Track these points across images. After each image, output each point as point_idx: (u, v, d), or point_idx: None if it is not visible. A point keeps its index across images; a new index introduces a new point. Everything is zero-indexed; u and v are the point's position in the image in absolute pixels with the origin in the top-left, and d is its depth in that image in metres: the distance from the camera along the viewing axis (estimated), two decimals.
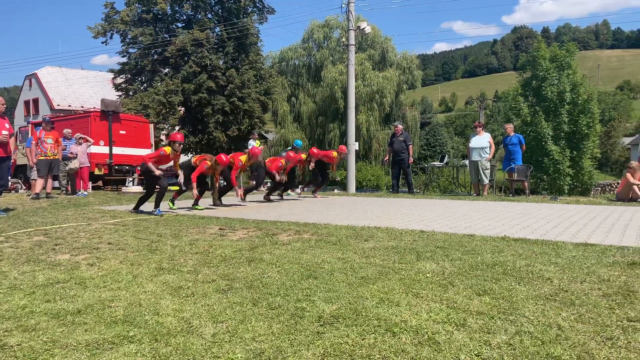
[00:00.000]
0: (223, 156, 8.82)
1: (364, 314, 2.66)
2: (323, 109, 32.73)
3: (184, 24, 21.99)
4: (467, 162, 12.41)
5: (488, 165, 11.41)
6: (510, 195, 11.97)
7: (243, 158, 9.22)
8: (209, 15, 21.87)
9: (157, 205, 7.77)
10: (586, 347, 2.20)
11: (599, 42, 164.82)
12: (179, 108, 20.93)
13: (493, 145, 11.69)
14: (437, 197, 11.82)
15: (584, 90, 25.02)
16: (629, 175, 9.93)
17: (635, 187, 9.70)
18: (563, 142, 24.70)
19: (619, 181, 12.62)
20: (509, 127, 12.45)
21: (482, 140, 11.42)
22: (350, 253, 4.24)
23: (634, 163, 10.41)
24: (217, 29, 21.53)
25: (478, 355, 2.14)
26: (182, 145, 8.13)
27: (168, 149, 7.94)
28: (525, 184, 12.07)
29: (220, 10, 22.00)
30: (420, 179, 27.19)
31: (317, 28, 33.75)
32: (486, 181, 11.46)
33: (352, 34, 17.63)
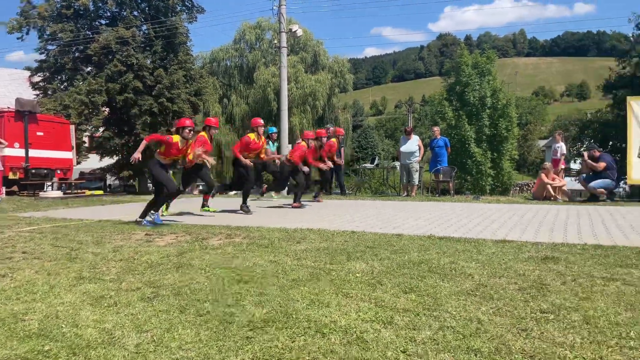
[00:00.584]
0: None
1: (294, 316, 2.66)
2: (256, 111, 32.44)
3: (108, 21, 21.01)
4: (397, 164, 12.79)
5: (417, 167, 11.82)
6: (437, 195, 12.46)
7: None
8: (135, 13, 21.05)
9: (146, 212, 6.69)
10: (503, 338, 2.32)
11: (517, 50, 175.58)
12: (103, 108, 19.98)
13: (422, 148, 12.12)
14: (368, 198, 12.07)
15: (503, 96, 26.57)
16: (543, 175, 10.64)
17: (549, 187, 10.41)
18: (485, 144, 26.07)
19: (535, 181, 13.47)
20: (437, 130, 12.98)
21: (411, 145, 11.81)
22: (282, 255, 4.23)
23: (547, 164, 11.18)
24: (144, 27, 20.77)
25: (404, 352, 2.20)
26: (192, 132, 6.88)
27: (176, 137, 6.68)
28: (451, 184, 12.61)
29: (147, 8, 21.24)
30: (352, 180, 27.65)
31: (248, 29, 33.47)
32: (415, 182, 11.86)
33: (283, 36, 17.65)
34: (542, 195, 10.54)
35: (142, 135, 18.87)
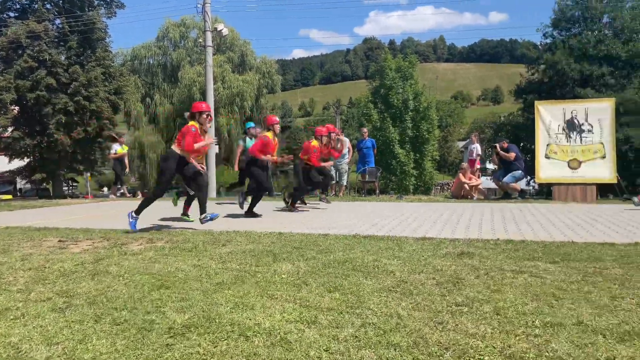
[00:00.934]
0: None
1: (217, 320, 2.61)
2: (181, 111, 31.49)
3: (17, 14, 19.57)
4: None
5: (346, 168, 12.06)
6: (363, 195, 12.76)
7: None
8: (48, 6, 19.76)
9: (203, 210, 6.03)
10: (421, 332, 2.41)
11: (437, 56, 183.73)
12: (12, 107, 18.56)
13: (351, 150, 12.37)
14: None
15: (424, 99, 27.65)
16: (461, 175, 11.21)
17: (466, 186, 10.98)
18: (408, 145, 27.01)
19: (454, 181, 14.14)
20: (365, 132, 13.30)
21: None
22: (206, 259, 4.14)
23: (464, 164, 11.79)
24: (58, 21, 19.54)
25: (327, 350, 2.22)
26: (209, 116, 6.20)
27: (196, 124, 6.00)
28: (376, 184, 12.96)
29: (61, 1, 20.00)
30: (282, 182, 27.59)
31: (172, 27, 32.51)
32: (344, 183, 12.08)
33: (208, 35, 17.30)
34: (460, 194, 11.09)
35: (55, 135, 17.77)
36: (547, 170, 10.07)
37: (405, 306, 2.81)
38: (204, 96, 21.63)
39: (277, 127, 7.70)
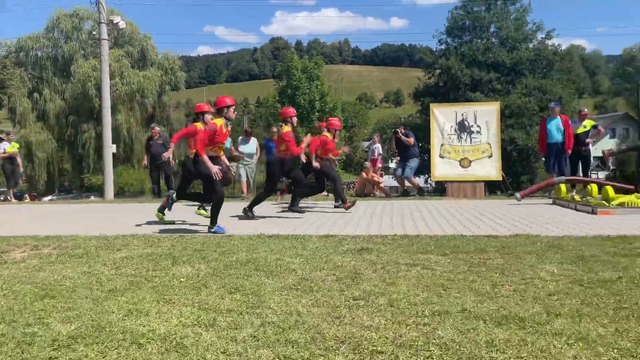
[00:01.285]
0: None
1: (107, 329, 2.47)
2: (75, 107, 29.44)
3: None
4: (234, 164, 12.74)
5: (254, 168, 12.00)
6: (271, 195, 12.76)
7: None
8: None
9: (214, 220, 5.68)
10: (319, 328, 2.46)
11: (342, 58, 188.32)
12: None
13: (259, 150, 12.27)
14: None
15: (330, 100, 28.29)
16: (363, 174, 11.60)
17: (368, 183, 11.38)
18: None
19: (357, 179, 14.58)
20: (275, 131, 13.25)
21: (251, 146, 11.88)
22: (98, 265, 3.90)
23: (367, 163, 12.22)
24: None
25: (224, 352, 2.19)
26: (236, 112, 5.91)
27: (219, 121, 5.68)
28: (284, 184, 12.99)
29: None
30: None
31: (64, 17, 30.17)
32: (251, 183, 11.99)
33: (104, 27, 16.30)
34: (363, 192, 11.48)
35: None
36: (441, 168, 10.72)
37: (305, 303, 2.85)
38: (100, 92, 20.39)
39: (295, 120, 7.27)
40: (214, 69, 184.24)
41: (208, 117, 6.20)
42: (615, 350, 2.13)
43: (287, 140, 7.15)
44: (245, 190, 11.71)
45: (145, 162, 11.77)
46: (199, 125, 6.21)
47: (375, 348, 2.21)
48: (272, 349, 2.22)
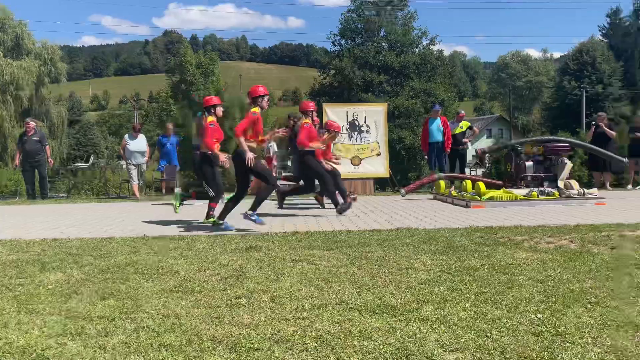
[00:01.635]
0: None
1: None
2: None
3: None
4: (123, 163, 12.03)
5: (144, 167, 11.40)
6: (163, 194, 12.24)
7: None
8: None
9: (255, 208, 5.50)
10: (197, 329, 2.41)
11: (240, 55, 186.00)
12: None
13: (148, 148, 11.69)
14: (82, 201, 11.05)
15: (227, 97, 27.81)
16: None
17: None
18: None
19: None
20: (170, 127, 12.75)
21: (141, 144, 11.27)
22: None
23: (262, 162, 12.19)
24: None
25: None
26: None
27: (256, 110, 5.63)
28: (175, 183, 12.54)
29: None
30: (68, 182, 24.84)
31: None
32: (138, 182, 11.36)
33: None
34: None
35: None
36: (335, 167, 11.00)
37: (185, 305, 2.78)
38: None
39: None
40: (101, 60, 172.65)
41: (219, 109, 6.07)
42: (473, 332, 2.33)
43: (305, 131, 6.84)
44: (137, 193, 11.08)
45: (17, 161, 10.69)
46: (210, 118, 5.96)
47: (252, 345, 2.21)
48: (144, 354, 2.13)
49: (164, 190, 12.56)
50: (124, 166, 12.11)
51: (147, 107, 68.70)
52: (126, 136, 11.56)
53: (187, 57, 26.76)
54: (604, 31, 47.71)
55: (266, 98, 5.86)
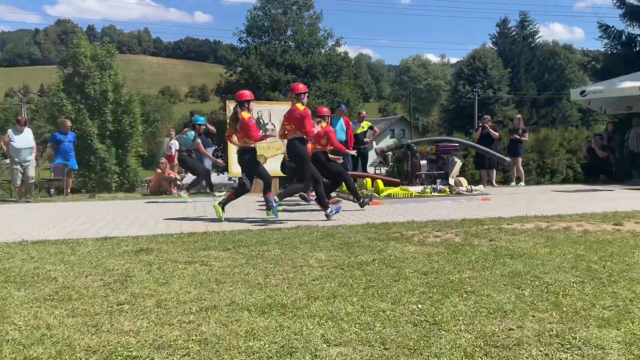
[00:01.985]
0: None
1: None
2: None
3: None
4: (7, 161, 10.90)
5: (34, 164, 10.45)
6: (51, 195, 11.35)
7: None
8: None
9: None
10: (69, 339, 2.23)
11: (143, 48, 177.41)
12: None
13: (35, 144, 10.72)
14: None
15: (126, 92, 26.36)
16: (159, 170, 11.12)
17: (164, 181, 10.95)
18: (109, 140, 25.31)
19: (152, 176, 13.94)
20: (68, 123, 11.89)
21: (27, 139, 10.27)
22: None
23: (163, 160, 11.74)
24: None
25: None
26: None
27: (301, 106, 6.00)
28: (66, 182, 11.67)
29: None
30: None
31: None
32: (20, 182, 10.39)
33: None
34: (159, 189, 11.00)
35: None
36: (238, 165, 10.86)
37: (59, 314, 2.57)
38: None
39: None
40: None
41: (253, 104, 6.22)
42: (357, 325, 2.39)
43: (329, 132, 7.19)
44: (19, 195, 10.10)
45: None
46: (245, 114, 6.01)
47: (130, 353, 2.10)
48: None
49: (52, 192, 11.64)
50: (7, 166, 11.00)
51: (37, 101, 63.29)
52: (9, 131, 10.52)
53: (82, 48, 24.95)
54: (494, 39, 51.76)
55: (307, 95, 6.23)
